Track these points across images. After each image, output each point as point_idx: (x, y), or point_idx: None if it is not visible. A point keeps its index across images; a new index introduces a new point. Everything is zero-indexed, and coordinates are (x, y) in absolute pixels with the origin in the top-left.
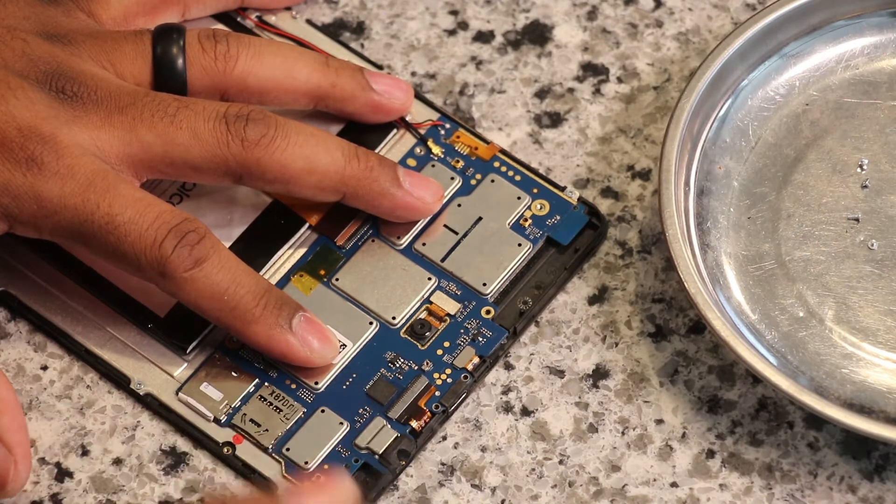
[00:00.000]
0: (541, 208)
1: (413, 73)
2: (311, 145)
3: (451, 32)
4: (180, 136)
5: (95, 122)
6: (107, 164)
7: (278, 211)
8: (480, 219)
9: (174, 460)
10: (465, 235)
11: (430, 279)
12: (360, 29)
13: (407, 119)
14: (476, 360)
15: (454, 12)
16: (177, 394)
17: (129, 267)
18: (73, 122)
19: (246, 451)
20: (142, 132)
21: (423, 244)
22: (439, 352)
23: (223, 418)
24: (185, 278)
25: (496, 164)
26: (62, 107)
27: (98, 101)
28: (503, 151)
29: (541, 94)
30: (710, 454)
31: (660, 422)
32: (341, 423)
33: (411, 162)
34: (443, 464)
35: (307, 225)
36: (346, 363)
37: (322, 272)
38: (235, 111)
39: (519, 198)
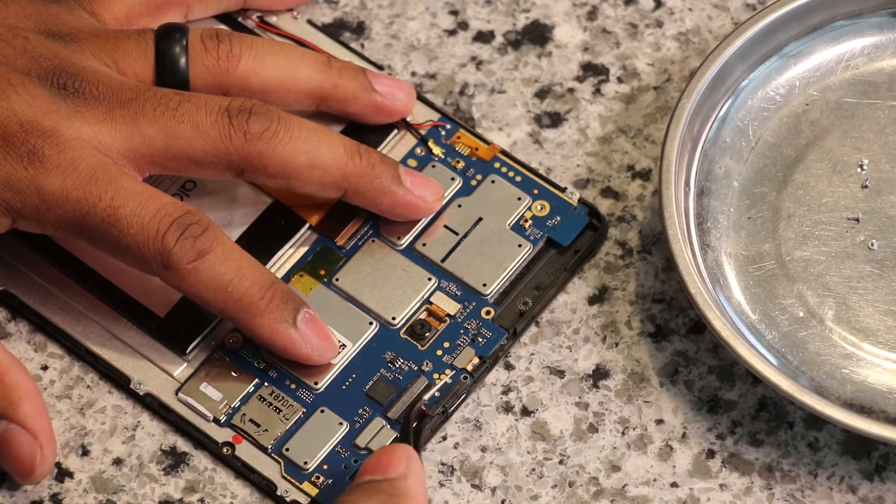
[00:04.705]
0: (541, 209)
1: (413, 74)
2: (313, 140)
3: (452, 32)
4: (182, 129)
5: (97, 116)
6: (109, 158)
7: (279, 211)
8: (481, 219)
9: (174, 460)
10: (465, 236)
11: (430, 279)
12: (360, 29)
13: (407, 119)
14: (476, 360)
15: (454, 12)
16: (177, 394)
17: (132, 260)
18: (74, 116)
19: (245, 451)
20: (144, 126)
21: (424, 244)
22: (439, 352)
23: (223, 418)
24: (189, 270)
25: (496, 165)
26: (64, 102)
27: (100, 97)
28: (503, 152)
29: (541, 95)
30: (711, 454)
31: (660, 422)
32: (341, 424)
33: (412, 162)
34: (443, 464)
35: (307, 225)
36: (346, 363)
37: (322, 272)
38: (238, 105)
39: (519, 198)
